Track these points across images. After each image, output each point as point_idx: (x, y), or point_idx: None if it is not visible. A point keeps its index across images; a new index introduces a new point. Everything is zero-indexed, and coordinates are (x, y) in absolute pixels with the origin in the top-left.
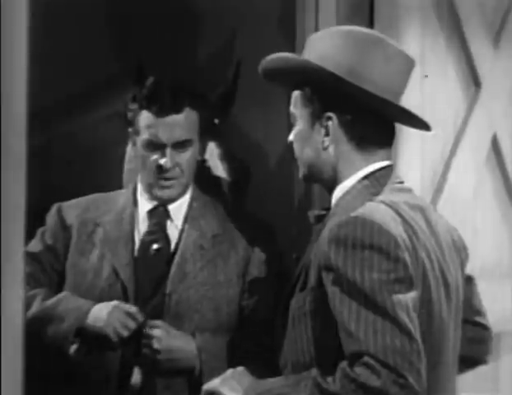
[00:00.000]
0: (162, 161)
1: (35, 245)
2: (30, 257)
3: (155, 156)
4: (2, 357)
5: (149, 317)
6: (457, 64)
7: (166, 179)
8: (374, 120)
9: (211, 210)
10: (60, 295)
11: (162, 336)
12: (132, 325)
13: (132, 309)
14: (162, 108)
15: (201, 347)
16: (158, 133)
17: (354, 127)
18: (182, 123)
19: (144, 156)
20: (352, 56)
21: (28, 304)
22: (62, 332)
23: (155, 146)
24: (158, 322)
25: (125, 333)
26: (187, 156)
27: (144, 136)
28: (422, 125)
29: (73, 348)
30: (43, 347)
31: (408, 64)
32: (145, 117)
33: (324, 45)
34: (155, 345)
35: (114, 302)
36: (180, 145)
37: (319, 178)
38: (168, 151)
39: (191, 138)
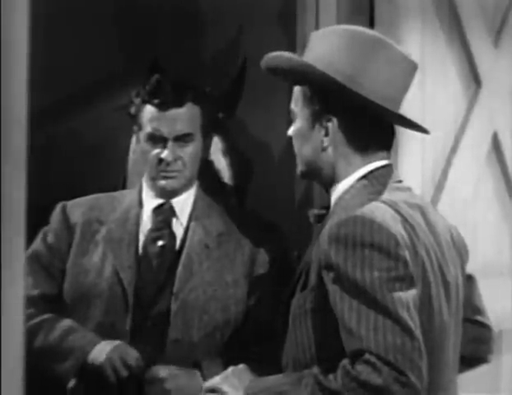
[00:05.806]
0: (163, 154)
1: (38, 246)
2: (33, 258)
3: (157, 150)
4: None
5: (155, 319)
6: (457, 63)
7: (168, 172)
8: (375, 123)
9: (216, 209)
10: (64, 327)
11: (167, 376)
12: (133, 363)
13: (134, 352)
14: (164, 102)
15: (208, 377)
16: (160, 127)
17: (354, 129)
18: (184, 116)
19: (147, 151)
20: (355, 62)
21: (34, 333)
22: (63, 371)
23: (157, 139)
24: (160, 367)
25: (124, 373)
26: (189, 150)
27: (146, 129)
28: (421, 129)
29: (71, 384)
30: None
31: (411, 68)
32: (148, 111)
33: (328, 47)
34: (163, 385)
35: (118, 341)
36: (182, 138)
37: (317, 176)
38: (169, 144)
39: (192, 132)
